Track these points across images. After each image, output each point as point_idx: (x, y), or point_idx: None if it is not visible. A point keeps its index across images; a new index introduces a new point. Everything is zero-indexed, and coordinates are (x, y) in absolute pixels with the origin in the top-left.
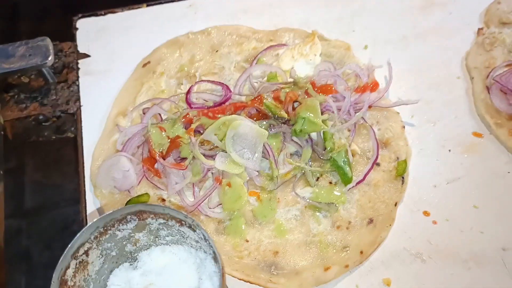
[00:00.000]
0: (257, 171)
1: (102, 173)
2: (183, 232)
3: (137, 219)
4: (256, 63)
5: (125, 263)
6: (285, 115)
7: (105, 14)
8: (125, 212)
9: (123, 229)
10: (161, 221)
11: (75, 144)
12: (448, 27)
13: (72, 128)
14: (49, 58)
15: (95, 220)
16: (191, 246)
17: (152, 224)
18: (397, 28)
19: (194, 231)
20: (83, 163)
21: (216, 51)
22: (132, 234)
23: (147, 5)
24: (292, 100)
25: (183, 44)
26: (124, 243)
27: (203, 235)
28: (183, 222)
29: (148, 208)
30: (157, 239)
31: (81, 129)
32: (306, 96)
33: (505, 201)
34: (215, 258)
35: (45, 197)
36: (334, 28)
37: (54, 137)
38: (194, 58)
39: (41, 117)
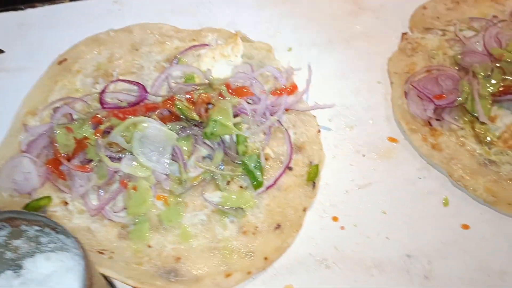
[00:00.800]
0: (166, 174)
1: (2, 175)
2: (61, 239)
3: (9, 226)
4: (176, 63)
5: (7, 271)
6: (197, 118)
7: (25, 8)
8: None
9: None
10: (37, 228)
11: None
12: (374, 32)
13: None
14: None
15: None
16: (76, 254)
17: (28, 231)
18: (324, 32)
19: (67, 237)
20: None
21: (137, 50)
22: (9, 241)
23: (70, 0)
24: (204, 102)
25: (103, 42)
26: (1, 250)
27: (74, 243)
28: (56, 229)
29: (18, 215)
30: (40, 246)
31: None
32: (220, 98)
33: (413, 207)
34: (87, 266)
35: None
36: (261, 29)
37: None
38: (113, 57)
39: None
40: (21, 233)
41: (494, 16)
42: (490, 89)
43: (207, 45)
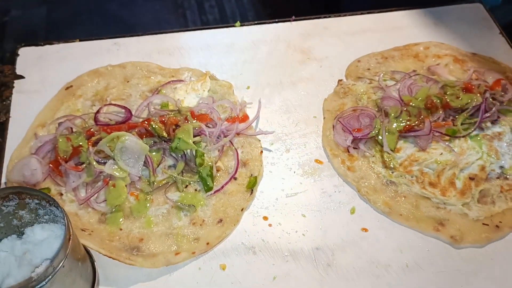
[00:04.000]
0: (139, 176)
1: (15, 170)
2: (53, 211)
3: (17, 198)
4: (156, 94)
5: (13, 235)
6: (166, 135)
7: (44, 45)
8: (7, 192)
9: (7, 205)
10: (36, 201)
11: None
12: (317, 78)
13: (1, 135)
14: None
15: None
16: (63, 224)
17: (30, 204)
18: (277, 75)
19: (57, 208)
20: (2, 162)
21: (128, 82)
22: (16, 211)
23: (80, 40)
24: (172, 123)
25: (102, 74)
26: (10, 217)
27: (62, 213)
28: (50, 202)
29: (24, 190)
30: (37, 217)
31: (7, 135)
32: (186, 122)
33: (327, 213)
34: (68, 231)
35: None
36: (227, 70)
37: None
38: (108, 86)
39: None
40: (25, 205)
41: (413, 70)
42: (397, 126)
43: (182, 80)
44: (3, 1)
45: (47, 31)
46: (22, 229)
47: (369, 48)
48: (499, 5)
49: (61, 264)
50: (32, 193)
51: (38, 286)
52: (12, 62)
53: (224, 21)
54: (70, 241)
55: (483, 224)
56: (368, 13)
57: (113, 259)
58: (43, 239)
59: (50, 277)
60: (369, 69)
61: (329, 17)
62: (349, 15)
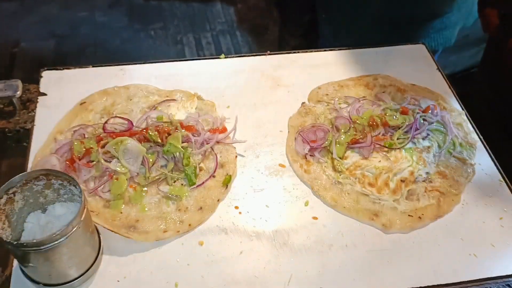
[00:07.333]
0: (137, 173)
1: (38, 166)
2: (72, 190)
3: (45, 179)
4: (153, 109)
5: (38, 210)
6: (160, 141)
7: (62, 69)
8: (38, 173)
9: (37, 185)
10: (60, 181)
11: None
12: (284, 100)
13: (27, 140)
14: (17, 93)
15: (19, 175)
16: (78, 202)
17: (55, 184)
18: (251, 98)
19: (75, 187)
20: (27, 161)
21: (130, 100)
22: (43, 190)
23: (93, 66)
24: (165, 132)
25: (109, 93)
26: (38, 195)
27: (79, 190)
28: (70, 181)
29: (51, 172)
30: (58, 196)
31: (32, 139)
32: (176, 131)
33: (286, 205)
34: (83, 202)
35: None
36: (212, 93)
37: (14, 145)
38: (114, 103)
39: (6, 129)
40: (51, 185)
41: (363, 96)
42: (346, 139)
43: (175, 100)
44: (14, 33)
45: (55, 63)
46: (46, 206)
47: (328, 78)
48: (451, 46)
49: (77, 225)
50: (57, 174)
51: (60, 239)
52: (37, 82)
53: None
54: (85, 210)
55: (409, 215)
56: (330, 50)
57: (115, 232)
58: (61, 215)
59: (70, 233)
60: (327, 94)
61: (297, 52)
62: (314, 51)
